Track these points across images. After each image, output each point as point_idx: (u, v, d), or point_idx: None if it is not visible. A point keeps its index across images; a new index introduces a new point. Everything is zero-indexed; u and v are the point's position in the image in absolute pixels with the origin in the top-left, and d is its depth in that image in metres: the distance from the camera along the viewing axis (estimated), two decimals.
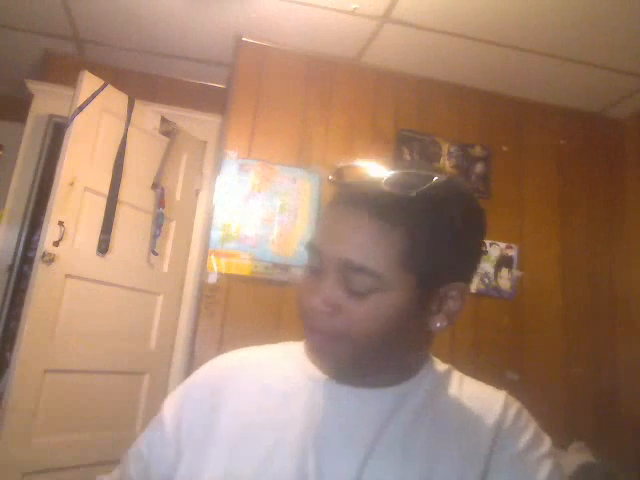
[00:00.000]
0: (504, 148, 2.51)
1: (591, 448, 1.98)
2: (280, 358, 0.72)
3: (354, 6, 2.05)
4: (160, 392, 2.36)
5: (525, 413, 0.67)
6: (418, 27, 2.14)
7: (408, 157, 2.38)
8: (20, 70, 2.77)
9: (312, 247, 0.63)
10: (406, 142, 2.40)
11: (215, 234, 2.15)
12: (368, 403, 0.63)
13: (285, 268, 2.16)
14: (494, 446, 0.61)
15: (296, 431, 0.62)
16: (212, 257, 2.12)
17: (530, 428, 0.65)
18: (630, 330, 2.37)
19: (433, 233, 0.59)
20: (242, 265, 2.13)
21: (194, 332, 2.16)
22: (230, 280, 2.13)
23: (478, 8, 1.98)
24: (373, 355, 0.62)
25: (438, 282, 0.61)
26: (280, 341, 0.77)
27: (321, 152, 2.32)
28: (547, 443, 0.64)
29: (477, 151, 2.47)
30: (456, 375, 0.70)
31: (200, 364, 0.75)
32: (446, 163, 2.42)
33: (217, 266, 2.12)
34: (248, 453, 0.62)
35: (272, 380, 0.68)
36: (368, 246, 0.58)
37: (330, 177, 0.64)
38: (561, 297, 2.39)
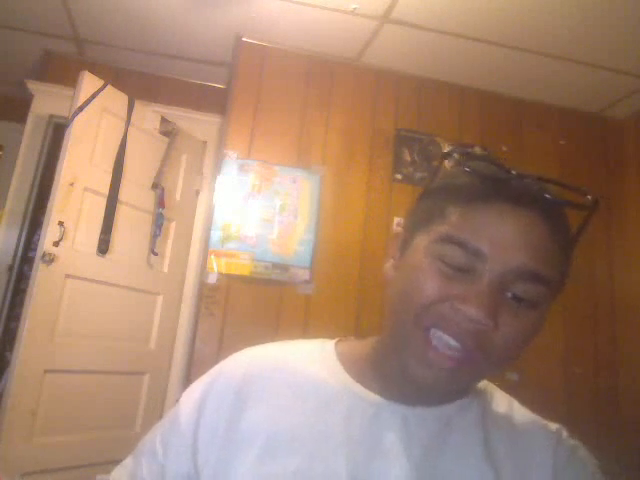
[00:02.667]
0: (504, 148, 2.51)
1: (591, 448, 1.97)
2: (312, 359, 0.65)
3: (354, 6, 2.05)
4: (160, 392, 2.36)
5: (581, 450, 0.62)
6: (418, 27, 2.14)
7: (408, 157, 2.38)
8: (20, 70, 2.77)
9: (472, 247, 0.53)
10: (406, 142, 2.40)
11: (215, 234, 2.15)
12: (415, 423, 0.58)
13: (285, 268, 2.16)
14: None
15: (335, 443, 0.57)
16: (212, 257, 2.12)
17: (588, 464, 0.61)
18: (630, 330, 2.37)
19: (573, 245, 0.58)
20: (242, 265, 2.13)
21: (194, 332, 2.16)
22: (230, 280, 2.13)
23: (478, 8, 1.98)
24: (481, 379, 0.59)
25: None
26: (280, 340, 0.73)
27: (321, 152, 2.32)
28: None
29: (477, 151, 2.47)
30: (500, 394, 0.66)
31: (200, 364, 0.72)
32: (446, 163, 2.42)
33: (217, 266, 2.12)
34: (282, 461, 0.57)
35: (305, 384, 0.62)
36: (545, 253, 0.53)
37: (477, 167, 0.57)
38: (561, 297, 2.39)
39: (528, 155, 2.53)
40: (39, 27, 2.48)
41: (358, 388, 0.61)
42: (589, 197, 0.54)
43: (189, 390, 0.67)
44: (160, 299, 2.43)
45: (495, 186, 0.55)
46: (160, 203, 2.38)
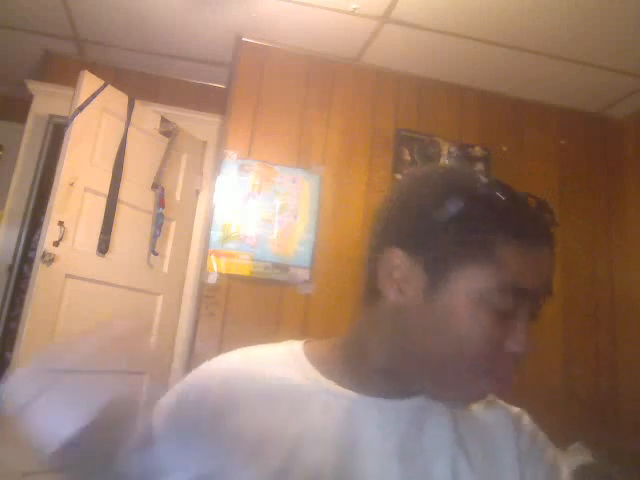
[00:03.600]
0: (504, 148, 2.51)
1: (591, 448, 1.98)
2: (281, 362, 0.66)
3: (354, 6, 2.05)
4: (160, 392, 2.35)
5: (540, 435, 0.68)
6: (418, 27, 2.14)
7: (408, 157, 2.38)
8: (20, 70, 2.77)
9: (522, 291, 0.55)
10: (406, 142, 2.40)
11: (215, 234, 2.15)
12: (391, 414, 0.61)
13: (285, 268, 2.16)
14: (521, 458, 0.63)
15: (314, 442, 0.58)
16: (212, 257, 2.12)
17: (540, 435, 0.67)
18: (630, 330, 2.37)
19: None
20: (242, 265, 2.13)
21: (194, 332, 2.16)
22: (230, 280, 2.13)
23: (478, 8, 1.98)
24: None
25: None
26: (280, 341, 0.72)
27: (321, 152, 2.32)
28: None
29: (477, 151, 2.47)
30: None
31: (200, 364, 0.70)
32: (446, 163, 2.42)
33: (217, 266, 2.12)
34: (264, 465, 0.57)
35: (278, 388, 0.63)
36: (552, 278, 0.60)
37: (517, 198, 0.57)
38: (561, 297, 2.39)
39: (528, 155, 2.53)
40: (39, 27, 2.48)
41: (331, 385, 0.62)
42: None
43: (160, 408, 0.65)
44: (160, 299, 2.43)
45: (539, 227, 0.58)
46: (160, 203, 2.38)
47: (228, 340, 2.08)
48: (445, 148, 2.43)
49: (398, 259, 0.58)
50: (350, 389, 0.62)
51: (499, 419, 0.65)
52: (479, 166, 2.45)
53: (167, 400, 0.66)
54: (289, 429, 0.59)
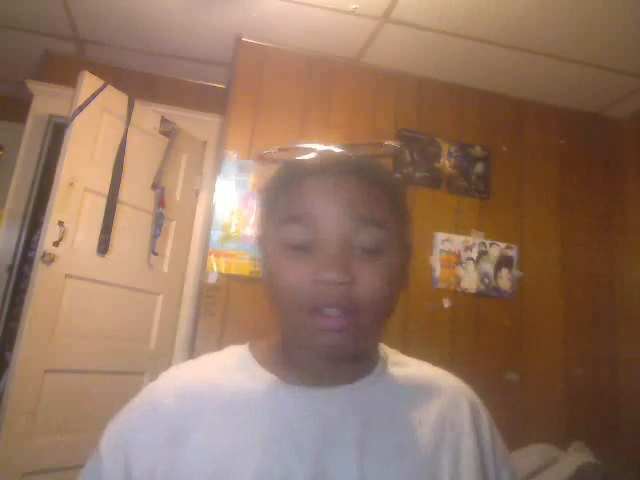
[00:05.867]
0: (504, 148, 2.51)
1: (591, 448, 1.98)
2: (225, 369, 0.65)
3: (354, 6, 2.05)
4: None
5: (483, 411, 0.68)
6: (418, 27, 2.14)
7: (408, 157, 2.38)
8: (20, 70, 2.77)
9: (303, 218, 0.58)
10: (406, 142, 2.40)
11: (215, 234, 2.15)
12: (334, 401, 0.61)
13: None
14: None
15: (266, 440, 0.58)
16: (212, 257, 2.12)
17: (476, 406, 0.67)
18: (630, 330, 2.37)
19: (394, 186, 0.65)
20: (242, 265, 2.13)
21: (194, 332, 2.16)
22: (230, 280, 2.13)
23: (478, 8, 1.98)
24: (375, 334, 0.62)
25: (408, 235, 0.65)
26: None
27: None
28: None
29: (477, 151, 2.47)
30: (391, 353, 0.70)
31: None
32: (446, 163, 2.42)
33: (217, 266, 2.12)
34: (233, 469, 0.56)
35: (232, 396, 0.61)
36: (369, 202, 0.59)
37: (293, 157, 0.65)
38: (561, 297, 2.39)
39: (528, 155, 2.53)
40: (39, 27, 2.48)
41: (274, 380, 0.62)
42: (386, 143, 0.62)
43: (110, 431, 0.61)
44: (160, 299, 2.43)
45: (305, 165, 0.62)
46: (160, 203, 2.38)
47: (228, 340, 2.06)
48: (445, 148, 2.43)
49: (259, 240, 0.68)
50: (301, 384, 0.62)
51: (456, 398, 0.66)
52: (479, 166, 2.45)
53: (115, 426, 0.62)
54: (252, 435, 0.58)
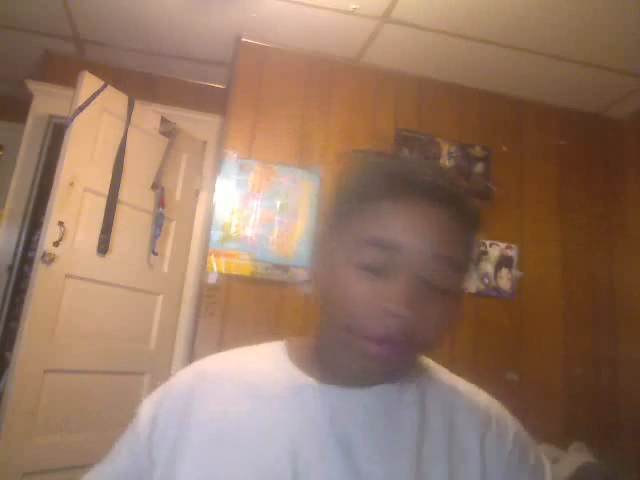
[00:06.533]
0: (504, 148, 2.51)
1: (591, 448, 1.98)
2: (259, 361, 0.67)
3: (354, 6, 2.05)
4: None
5: (505, 413, 0.67)
6: (418, 27, 2.14)
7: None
8: (20, 70, 2.77)
9: (387, 243, 0.56)
10: (406, 142, 2.40)
11: (215, 234, 2.15)
12: (360, 402, 0.61)
13: (285, 268, 2.16)
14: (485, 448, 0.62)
15: (285, 433, 0.59)
16: (212, 257, 2.12)
17: (512, 424, 0.65)
18: (630, 330, 2.37)
19: (478, 227, 0.62)
20: (242, 265, 2.13)
21: (194, 332, 2.16)
22: (230, 280, 2.13)
23: (478, 8, 1.98)
24: (414, 362, 0.62)
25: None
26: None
27: (321, 152, 2.32)
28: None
29: (477, 151, 2.47)
30: (445, 374, 0.70)
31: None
32: (446, 163, 2.42)
33: (217, 266, 2.12)
34: (226, 452, 0.59)
35: (254, 383, 0.64)
36: (457, 241, 0.57)
37: (384, 165, 0.61)
38: (561, 297, 2.39)
39: (528, 155, 2.53)
40: (39, 27, 2.48)
41: (305, 378, 0.63)
42: (488, 185, 0.59)
43: (146, 402, 0.68)
44: (160, 299, 2.44)
45: (402, 182, 0.58)
46: (160, 203, 2.38)
47: (228, 340, 2.08)
48: (445, 148, 2.43)
49: (323, 242, 0.64)
50: (320, 380, 0.62)
51: (468, 418, 0.64)
52: (479, 166, 2.45)
53: (152, 396, 0.68)
54: (258, 419, 0.60)
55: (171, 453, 0.60)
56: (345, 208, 0.61)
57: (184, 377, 0.68)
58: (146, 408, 0.67)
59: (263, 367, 0.66)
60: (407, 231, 0.56)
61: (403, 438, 0.60)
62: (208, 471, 0.58)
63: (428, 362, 0.69)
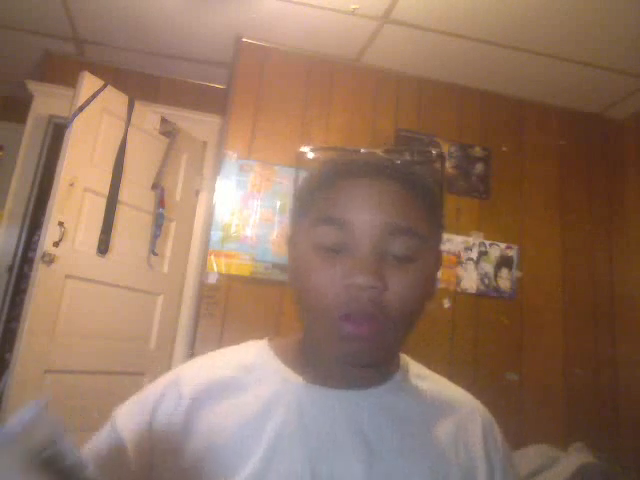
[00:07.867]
0: (504, 148, 2.51)
1: (591, 448, 1.98)
2: (249, 362, 0.65)
3: (354, 6, 2.05)
4: None
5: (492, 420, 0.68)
6: (418, 27, 2.14)
7: (408, 157, 2.38)
8: (20, 70, 2.77)
9: (338, 220, 0.57)
10: (406, 142, 2.40)
11: (215, 234, 2.15)
12: (356, 405, 0.61)
13: (285, 268, 2.16)
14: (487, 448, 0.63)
15: (286, 437, 0.58)
16: (212, 257, 2.12)
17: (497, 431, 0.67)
18: (630, 330, 2.37)
19: (434, 194, 0.64)
20: (242, 265, 2.13)
21: (194, 332, 2.16)
22: (230, 280, 2.13)
23: (478, 8, 1.98)
24: (399, 343, 0.61)
25: (439, 244, 0.65)
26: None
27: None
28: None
29: (477, 151, 2.47)
30: (428, 374, 0.70)
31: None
32: (446, 163, 2.42)
33: (217, 266, 2.12)
34: (238, 466, 0.56)
35: (248, 388, 0.62)
36: (407, 210, 0.59)
37: (330, 155, 0.64)
38: (561, 297, 2.39)
39: (528, 155, 2.53)
40: (39, 27, 2.48)
41: (298, 380, 0.62)
42: (433, 152, 0.61)
43: (127, 406, 0.67)
44: (160, 299, 2.43)
45: (346, 167, 0.62)
46: (160, 203, 2.38)
47: (228, 340, 2.08)
48: (445, 148, 2.43)
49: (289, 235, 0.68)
50: (315, 383, 0.61)
51: (469, 415, 0.65)
52: (479, 166, 2.45)
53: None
54: (261, 425, 0.59)
55: (177, 468, 0.58)
56: (302, 200, 0.64)
57: (156, 384, 0.66)
58: (130, 414, 0.65)
59: (254, 369, 0.64)
60: (355, 206, 0.58)
61: (412, 438, 0.60)
62: None
63: (405, 359, 0.70)
